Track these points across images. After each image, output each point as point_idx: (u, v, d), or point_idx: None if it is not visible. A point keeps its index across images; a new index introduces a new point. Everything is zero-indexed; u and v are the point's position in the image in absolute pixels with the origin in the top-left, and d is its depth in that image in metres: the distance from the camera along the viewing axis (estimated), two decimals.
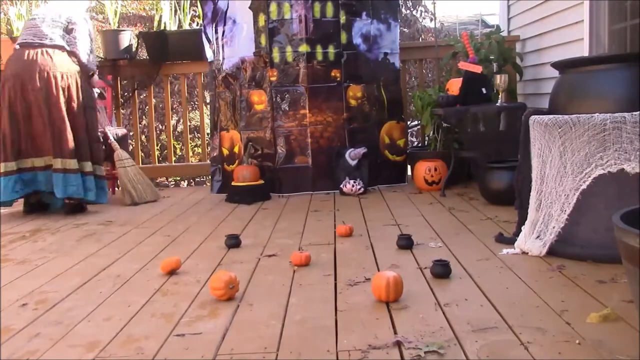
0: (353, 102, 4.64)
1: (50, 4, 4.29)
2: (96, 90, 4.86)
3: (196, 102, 7.83)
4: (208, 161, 5.26)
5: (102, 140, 4.51)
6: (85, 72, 4.25)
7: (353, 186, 4.40)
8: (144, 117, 7.66)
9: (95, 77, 4.52)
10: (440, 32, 7.83)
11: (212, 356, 1.68)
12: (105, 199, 4.28)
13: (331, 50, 4.57)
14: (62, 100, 4.02)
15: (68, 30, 4.16)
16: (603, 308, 1.87)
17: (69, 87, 4.07)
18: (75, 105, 4.09)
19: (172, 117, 6.67)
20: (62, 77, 4.04)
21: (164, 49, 5.27)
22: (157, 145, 6.26)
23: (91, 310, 2.12)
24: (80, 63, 4.19)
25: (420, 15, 10.03)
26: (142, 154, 6.29)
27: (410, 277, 2.30)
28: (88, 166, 4.13)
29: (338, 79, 4.59)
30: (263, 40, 4.57)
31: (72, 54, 4.16)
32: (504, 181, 3.61)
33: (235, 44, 4.73)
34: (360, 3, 4.66)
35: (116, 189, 5.29)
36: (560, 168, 2.45)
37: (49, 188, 4.07)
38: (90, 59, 4.29)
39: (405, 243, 2.78)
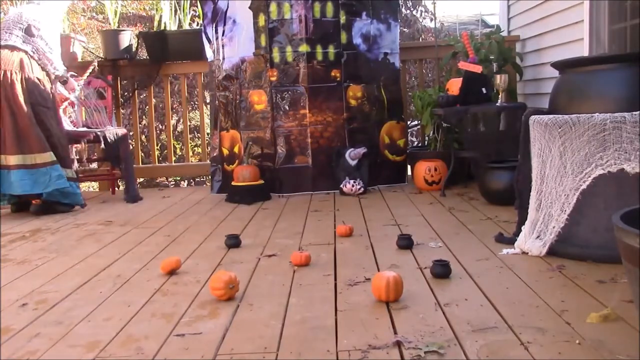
0: (353, 102, 4.64)
1: (22, 6, 4.32)
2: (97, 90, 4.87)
3: (196, 102, 7.83)
4: (208, 161, 5.26)
5: (101, 140, 4.51)
6: (59, 79, 4.36)
7: (353, 186, 4.40)
8: (144, 117, 7.67)
9: (71, 83, 4.51)
10: (440, 32, 7.83)
11: (212, 356, 1.68)
12: (74, 200, 4.24)
13: (331, 50, 4.57)
14: (2, 96, 4.02)
15: (29, 34, 4.15)
16: (603, 308, 1.87)
17: (12, 84, 4.04)
18: (21, 101, 4.04)
19: (172, 117, 6.67)
20: (4, 74, 4.03)
21: (164, 49, 5.27)
22: (157, 145, 6.26)
23: (91, 310, 2.12)
24: (50, 74, 4.24)
25: (420, 15, 10.04)
26: (142, 154, 6.30)
27: (410, 277, 2.30)
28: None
29: (338, 79, 4.59)
30: (263, 40, 4.57)
31: (42, 65, 4.20)
32: (504, 181, 3.61)
33: (235, 44, 4.73)
34: (360, 3, 4.66)
35: (116, 188, 5.30)
36: (560, 168, 2.45)
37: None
38: (58, 66, 4.31)
39: (405, 243, 2.78)
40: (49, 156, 4.09)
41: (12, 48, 4.11)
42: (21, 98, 4.06)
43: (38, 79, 4.16)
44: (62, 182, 4.12)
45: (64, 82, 4.49)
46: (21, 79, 4.07)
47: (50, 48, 4.25)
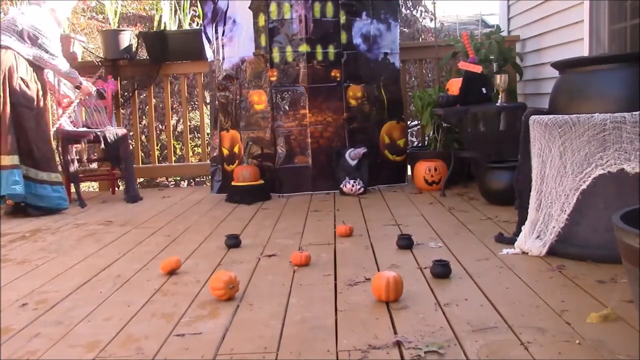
0: (353, 102, 4.64)
1: (22, 7, 4.31)
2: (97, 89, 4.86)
3: (196, 102, 7.83)
4: (208, 161, 5.26)
5: (101, 140, 4.51)
6: (73, 84, 4.45)
7: (353, 186, 4.40)
8: (144, 117, 7.66)
9: (85, 85, 4.49)
10: (440, 32, 7.83)
11: (212, 356, 1.68)
12: (50, 203, 4.18)
13: (331, 50, 4.57)
14: None
15: (29, 40, 4.14)
16: (603, 308, 1.87)
17: None
18: (2, 101, 4.02)
19: (172, 117, 6.67)
20: None
21: (164, 49, 5.27)
22: (157, 145, 6.26)
23: (91, 310, 2.12)
24: (44, 77, 4.28)
25: (420, 15, 10.04)
26: (142, 154, 6.30)
27: (410, 277, 2.30)
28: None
29: (338, 79, 4.59)
30: (263, 40, 4.57)
31: (51, 67, 4.26)
32: (504, 181, 3.61)
33: (235, 44, 4.73)
34: (360, 3, 4.66)
35: (116, 188, 5.30)
36: (560, 168, 2.45)
37: None
38: (63, 69, 4.32)
39: (405, 243, 2.78)
40: (11, 159, 4.00)
41: (2, 47, 4.08)
42: (1, 98, 4.03)
43: (22, 79, 4.11)
44: (18, 187, 4.00)
45: (78, 87, 4.47)
46: (3, 78, 4.03)
47: (52, 55, 4.22)
